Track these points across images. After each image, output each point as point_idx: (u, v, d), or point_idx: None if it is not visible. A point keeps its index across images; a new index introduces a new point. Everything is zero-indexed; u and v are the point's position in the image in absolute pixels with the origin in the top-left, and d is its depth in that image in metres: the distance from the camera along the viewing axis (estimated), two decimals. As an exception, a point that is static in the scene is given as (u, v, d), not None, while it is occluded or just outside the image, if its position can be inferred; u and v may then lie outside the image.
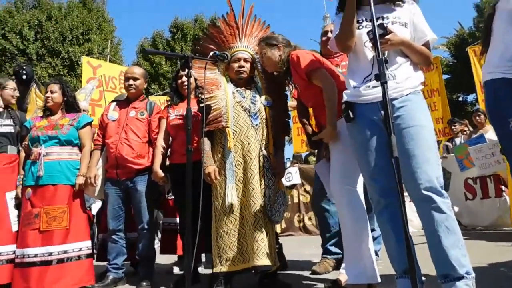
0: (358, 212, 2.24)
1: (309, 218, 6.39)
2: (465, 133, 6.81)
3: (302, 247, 4.61)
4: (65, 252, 3.12)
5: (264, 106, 2.78)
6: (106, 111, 3.41)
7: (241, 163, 2.62)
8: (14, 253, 3.19)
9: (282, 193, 2.66)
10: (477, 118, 6.03)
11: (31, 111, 5.20)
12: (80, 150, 3.40)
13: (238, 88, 2.81)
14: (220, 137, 2.69)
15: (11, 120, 3.50)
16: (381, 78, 1.71)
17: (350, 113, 2.01)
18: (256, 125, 2.69)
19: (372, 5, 1.80)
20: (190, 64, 2.21)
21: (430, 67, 7.36)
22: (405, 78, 1.97)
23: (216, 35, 2.98)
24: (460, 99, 21.38)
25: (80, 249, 3.19)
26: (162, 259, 3.69)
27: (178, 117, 3.17)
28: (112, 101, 3.65)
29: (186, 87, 3.18)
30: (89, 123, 3.43)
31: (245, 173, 2.60)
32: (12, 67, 15.52)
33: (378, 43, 1.76)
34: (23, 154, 3.45)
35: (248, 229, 2.52)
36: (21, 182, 3.34)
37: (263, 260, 2.41)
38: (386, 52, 1.97)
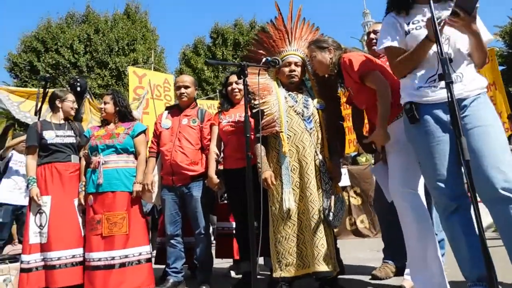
0: (422, 216, 2.16)
1: (361, 221, 6.24)
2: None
3: (356, 251, 4.52)
4: (126, 256, 3.24)
5: (317, 109, 2.75)
6: (159, 119, 3.51)
7: (297, 167, 2.60)
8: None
9: (340, 198, 2.62)
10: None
11: (86, 120, 5.47)
12: (136, 158, 3.54)
13: (290, 92, 2.80)
14: (275, 142, 2.69)
15: (72, 131, 3.69)
16: (446, 78, 1.65)
17: (416, 114, 1.94)
18: (311, 129, 2.66)
19: (432, 3, 1.75)
20: (246, 72, 2.22)
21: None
22: (472, 79, 1.90)
23: (265, 40, 2.99)
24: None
25: (140, 254, 3.30)
26: (216, 263, 3.73)
27: (229, 123, 3.21)
28: (166, 109, 3.75)
29: (236, 93, 3.28)
30: (143, 131, 3.54)
31: (301, 178, 2.59)
32: (66, 80, 16.42)
33: (441, 40, 1.70)
34: (83, 162, 3.63)
35: (307, 234, 2.50)
36: (83, 189, 3.52)
37: (323, 266, 2.39)
38: (451, 52, 1.90)
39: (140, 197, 3.43)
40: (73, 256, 3.33)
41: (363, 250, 4.52)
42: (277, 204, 2.59)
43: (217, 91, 17.39)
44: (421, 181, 2.25)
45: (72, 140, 3.65)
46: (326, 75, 2.75)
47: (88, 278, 3.22)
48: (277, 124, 2.66)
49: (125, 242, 3.27)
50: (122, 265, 3.22)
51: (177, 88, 3.42)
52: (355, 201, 6.17)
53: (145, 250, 3.34)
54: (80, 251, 3.37)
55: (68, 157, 3.59)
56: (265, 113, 2.69)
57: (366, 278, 2.97)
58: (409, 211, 2.17)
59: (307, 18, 3.06)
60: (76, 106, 3.79)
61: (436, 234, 2.78)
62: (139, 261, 3.28)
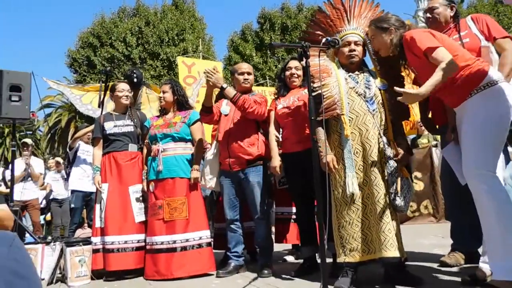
0: (502, 199, 2.01)
1: (425, 207, 5.98)
2: None
3: (419, 237, 4.33)
4: (187, 240, 3.35)
5: (379, 90, 2.63)
6: (219, 105, 3.53)
7: (360, 151, 2.51)
8: (138, 241, 3.53)
9: (407, 181, 2.49)
10: None
11: (145, 109, 5.66)
12: (193, 145, 3.61)
13: (350, 73, 2.69)
14: (336, 126, 2.61)
15: (131, 120, 3.81)
16: None
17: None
18: (373, 110, 2.55)
19: None
20: (308, 53, 2.15)
21: None
22: None
23: (323, 20, 2.88)
24: None
25: (200, 238, 3.40)
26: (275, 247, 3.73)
27: (285, 107, 3.17)
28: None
29: (294, 79, 3.23)
30: (200, 119, 3.59)
31: (365, 161, 2.49)
32: (121, 72, 17.12)
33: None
34: (145, 151, 3.76)
35: (373, 219, 2.42)
36: (145, 176, 3.65)
37: (392, 251, 2.30)
38: None
39: (198, 183, 3.49)
40: (125, 242, 3.49)
41: (427, 236, 4.33)
42: (340, 188, 2.53)
43: (266, 77, 17.36)
44: (499, 162, 2.09)
45: (130, 129, 3.78)
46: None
47: (152, 260, 3.36)
48: (338, 107, 2.58)
49: (186, 227, 3.37)
50: (184, 248, 3.33)
51: (241, 73, 3.42)
52: (417, 186, 5.90)
53: (205, 235, 3.43)
54: (132, 237, 3.53)
55: (125, 146, 3.73)
56: (325, 96, 2.61)
57: (434, 265, 2.84)
58: (487, 194, 2.03)
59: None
60: (128, 94, 3.89)
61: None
62: (199, 245, 3.37)
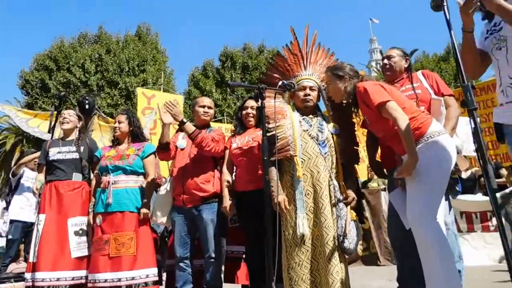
0: (443, 244, 2.12)
1: (373, 247, 6.11)
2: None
3: (365, 279, 4.39)
4: (133, 278, 3.19)
5: (332, 134, 2.73)
6: (175, 139, 3.50)
7: (311, 192, 2.57)
8: (73, 278, 3.33)
9: (355, 223, 2.57)
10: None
11: (96, 137, 5.51)
12: (145, 178, 3.52)
13: (305, 117, 2.80)
14: (289, 166, 2.67)
15: (77, 147, 3.69)
16: (469, 105, 1.64)
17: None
18: (325, 153, 2.64)
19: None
20: (264, 95, 2.22)
21: None
22: None
23: (280, 64, 3.01)
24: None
25: (147, 276, 3.25)
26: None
27: (239, 146, 3.20)
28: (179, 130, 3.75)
29: (250, 118, 3.29)
30: (154, 153, 3.54)
31: (315, 203, 2.55)
32: (76, 98, 16.64)
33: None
34: (94, 182, 3.62)
35: (322, 261, 2.45)
36: (92, 208, 3.49)
37: (339, 294, 2.32)
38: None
39: (148, 218, 3.39)
40: (58, 279, 3.28)
41: (374, 279, 4.41)
42: (291, 229, 2.55)
43: (225, 113, 17.53)
44: (441, 208, 2.20)
45: (75, 156, 3.65)
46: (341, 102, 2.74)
47: (93, 300, 3.16)
48: (291, 148, 2.65)
49: (133, 264, 3.22)
50: (129, 287, 3.16)
51: (202, 106, 3.44)
52: (366, 227, 6.05)
53: (152, 272, 3.29)
54: (67, 274, 3.32)
55: (68, 175, 3.58)
56: (279, 137, 2.68)
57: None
58: (429, 238, 2.13)
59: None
60: (69, 118, 3.78)
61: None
62: (146, 284, 3.23)
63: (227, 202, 3.08)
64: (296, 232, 2.49)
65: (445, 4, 1.94)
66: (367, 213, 6.17)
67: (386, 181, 3.72)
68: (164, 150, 3.31)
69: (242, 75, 20.89)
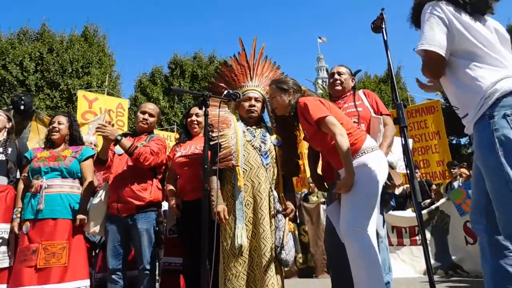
0: (372, 256, 2.18)
1: (311, 260, 6.18)
2: (463, 176, 6.83)
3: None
4: (62, 291, 2.98)
5: (274, 145, 2.77)
6: (112, 146, 3.36)
7: (251, 203, 2.57)
8: None
9: (293, 235, 2.60)
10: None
11: (34, 140, 5.15)
12: (81, 184, 3.34)
13: (249, 127, 2.81)
14: (230, 176, 2.66)
15: (3, 149, 3.43)
16: (401, 123, 1.73)
17: None
18: (267, 164, 2.67)
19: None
20: (208, 102, 2.21)
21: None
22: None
23: (227, 73, 3.02)
24: (454, 142, 21.68)
25: (78, 289, 3.05)
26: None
27: (183, 155, 3.15)
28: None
29: (194, 126, 3.25)
30: (92, 156, 3.37)
31: (255, 214, 2.55)
32: (10, 97, 15.53)
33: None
34: (21, 185, 3.36)
35: (258, 272, 2.44)
36: (18, 215, 3.24)
37: (273, 305, 2.32)
38: None
39: (83, 225, 3.20)
40: None
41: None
42: (229, 240, 2.53)
43: (172, 122, 17.21)
44: (372, 221, 2.29)
45: (1, 157, 3.38)
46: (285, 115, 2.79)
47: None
48: (234, 158, 2.65)
49: (63, 275, 3.00)
50: (57, 301, 2.95)
51: (143, 113, 3.34)
52: (304, 239, 6.16)
53: (84, 285, 3.09)
54: None
55: None
56: (222, 146, 2.67)
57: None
58: (358, 250, 2.19)
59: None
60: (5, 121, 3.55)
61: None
62: (76, 297, 3.02)
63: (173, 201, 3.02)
64: (234, 243, 2.47)
65: (383, 26, 2.06)
66: (307, 226, 6.29)
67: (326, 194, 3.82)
68: (102, 164, 3.22)
69: (191, 84, 20.67)
